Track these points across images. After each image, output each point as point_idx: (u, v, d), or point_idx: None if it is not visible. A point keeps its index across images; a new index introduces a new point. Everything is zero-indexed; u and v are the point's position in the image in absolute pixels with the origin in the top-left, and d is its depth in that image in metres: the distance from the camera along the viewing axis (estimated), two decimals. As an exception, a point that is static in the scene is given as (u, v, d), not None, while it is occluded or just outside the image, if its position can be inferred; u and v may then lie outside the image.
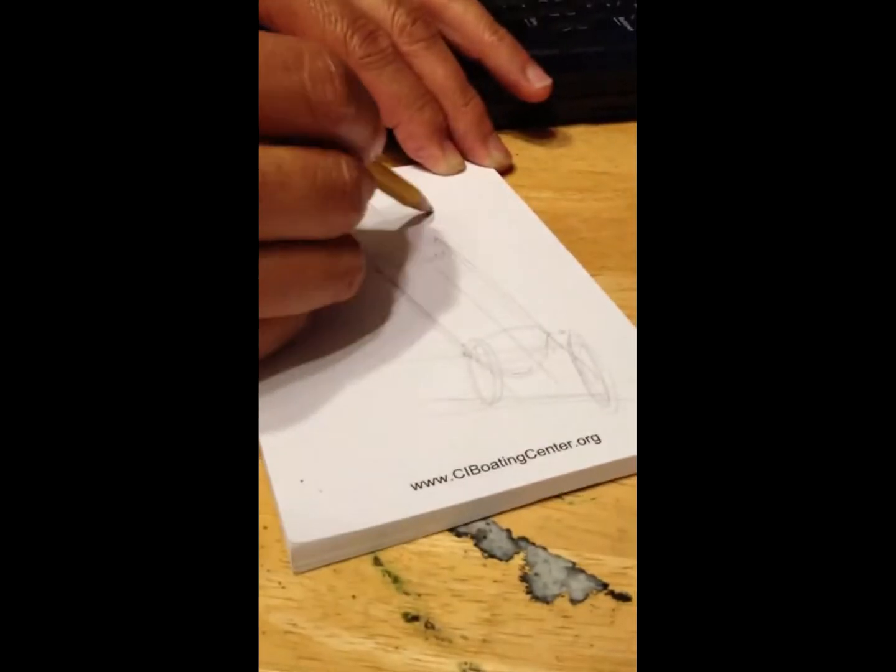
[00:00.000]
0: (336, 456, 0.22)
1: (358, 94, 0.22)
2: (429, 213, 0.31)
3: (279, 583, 0.20)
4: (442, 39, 0.36)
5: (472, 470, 0.22)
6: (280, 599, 0.20)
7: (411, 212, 0.32)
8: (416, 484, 0.22)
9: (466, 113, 0.35)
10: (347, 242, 0.24)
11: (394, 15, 0.34)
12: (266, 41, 0.21)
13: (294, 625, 0.19)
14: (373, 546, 0.21)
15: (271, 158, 0.20)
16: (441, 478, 0.22)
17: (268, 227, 0.21)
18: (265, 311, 0.22)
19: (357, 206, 0.23)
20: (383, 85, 0.33)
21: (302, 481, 0.21)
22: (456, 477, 0.22)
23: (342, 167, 0.22)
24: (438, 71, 0.35)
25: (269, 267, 0.21)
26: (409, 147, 0.35)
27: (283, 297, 0.22)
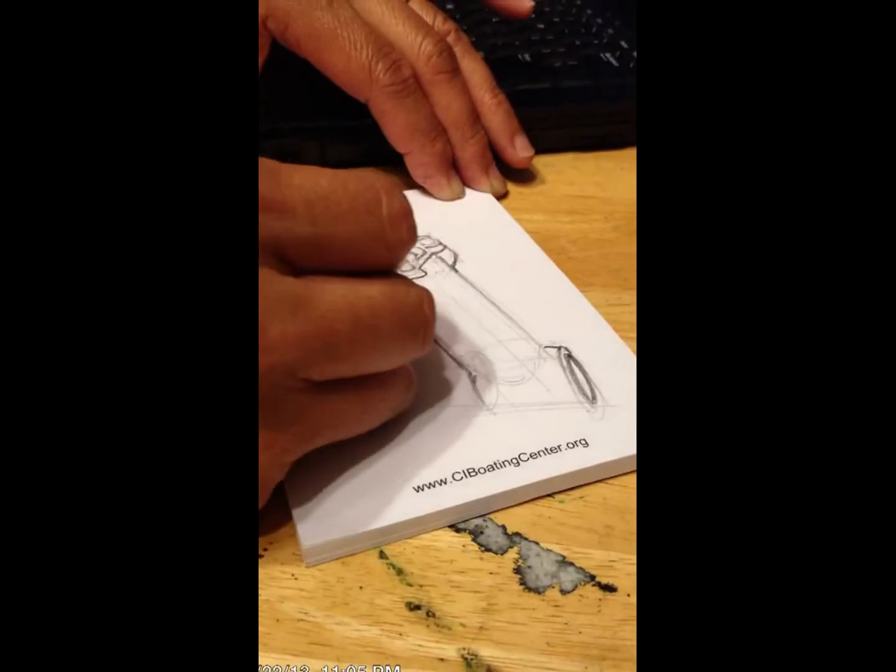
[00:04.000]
0: (344, 462, 0.23)
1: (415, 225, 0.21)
2: None
3: (292, 574, 0.20)
4: (462, 73, 0.36)
5: (469, 472, 0.22)
6: (293, 590, 0.20)
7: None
8: (418, 487, 0.22)
9: (472, 146, 0.36)
10: (406, 373, 0.23)
11: (422, 44, 0.34)
12: (349, 183, 0.20)
13: (305, 613, 0.20)
14: (378, 543, 0.21)
15: (364, 301, 0.20)
16: (441, 480, 0.22)
17: (353, 366, 0.20)
18: (330, 438, 0.21)
19: (429, 343, 0.22)
20: (402, 114, 0.34)
21: (314, 484, 0.22)
22: (455, 479, 0.22)
23: (423, 307, 0.21)
24: (454, 104, 0.35)
25: (343, 402, 0.21)
26: (417, 174, 0.36)
27: (346, 427, 0.22)
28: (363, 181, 0.20)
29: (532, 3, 0.42)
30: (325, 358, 0.19)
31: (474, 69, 0.37)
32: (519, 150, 0.37)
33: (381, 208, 0.20)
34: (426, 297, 0.22)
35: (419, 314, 0.21)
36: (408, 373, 0.23)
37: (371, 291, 0.20)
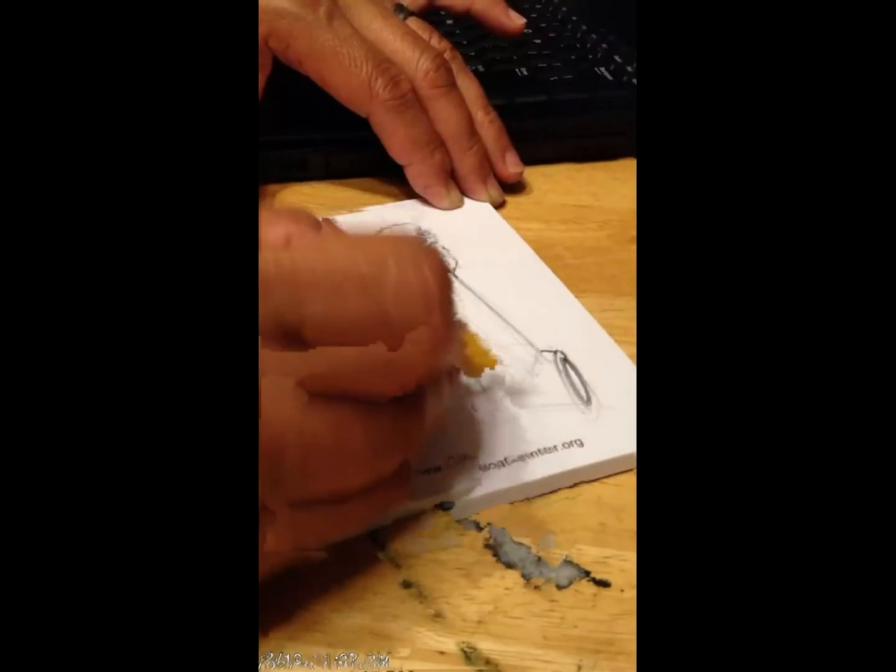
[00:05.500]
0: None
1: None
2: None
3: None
4: (458, 87, 0.36)
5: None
6: (287, 576, 0.20)
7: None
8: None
9: (470, 157, 0.36)
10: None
11: (419, 60, 0.35)
12: (357, 254, 0.17)
13: (301, 600, 0.20)
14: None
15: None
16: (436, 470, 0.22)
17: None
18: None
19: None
20: (402, 127, 0.34)
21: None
22: (454, 477, 0.22)
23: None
24: (452, 117, 0.36)
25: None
26: (417, 184, 0.36)
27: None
28: (372, 248, 0.16)
29: (523, 21, 0.43)
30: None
31: (468, 87, 0.37)
32: (510, 165, 0.38)
33: (384, 283, 0.16)
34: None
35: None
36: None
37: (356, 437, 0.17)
